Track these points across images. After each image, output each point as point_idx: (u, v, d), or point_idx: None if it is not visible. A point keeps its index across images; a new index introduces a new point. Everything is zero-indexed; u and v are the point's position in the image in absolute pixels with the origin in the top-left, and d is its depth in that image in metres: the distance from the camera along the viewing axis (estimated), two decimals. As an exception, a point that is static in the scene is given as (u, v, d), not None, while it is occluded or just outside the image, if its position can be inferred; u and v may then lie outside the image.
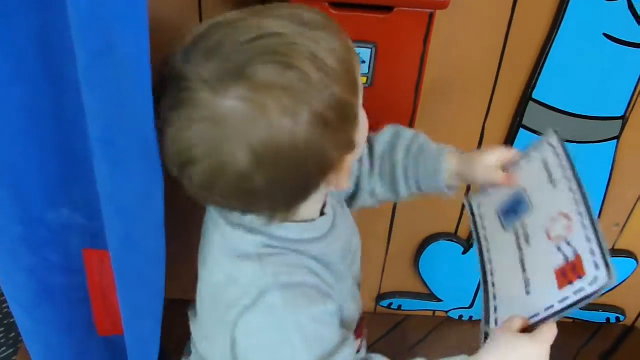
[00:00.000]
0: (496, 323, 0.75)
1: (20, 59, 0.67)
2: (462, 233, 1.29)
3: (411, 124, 0.97)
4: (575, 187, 0.74)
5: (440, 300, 1.42)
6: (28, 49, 0.66)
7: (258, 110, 0.56)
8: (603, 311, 1.44)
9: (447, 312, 1.45)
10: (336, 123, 0.60)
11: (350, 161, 0.66)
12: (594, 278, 0.66)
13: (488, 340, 0.72)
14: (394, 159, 0.83)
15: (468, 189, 1.07)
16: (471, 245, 1.28)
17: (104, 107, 0.61)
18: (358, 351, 0.84)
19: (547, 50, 0.99)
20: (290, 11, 0.60)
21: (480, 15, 0.96)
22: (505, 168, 0.81)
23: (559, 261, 0.71)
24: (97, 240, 0.82)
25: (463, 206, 1.06)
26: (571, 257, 0.70)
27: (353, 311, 0.81)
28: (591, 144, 1.12)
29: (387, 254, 1.33)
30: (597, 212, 1.24)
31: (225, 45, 0.58)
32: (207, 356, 0.81)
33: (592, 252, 0.68)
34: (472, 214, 0.88)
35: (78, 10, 0.55)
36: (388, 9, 0.84)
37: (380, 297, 1.41)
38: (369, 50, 0.87)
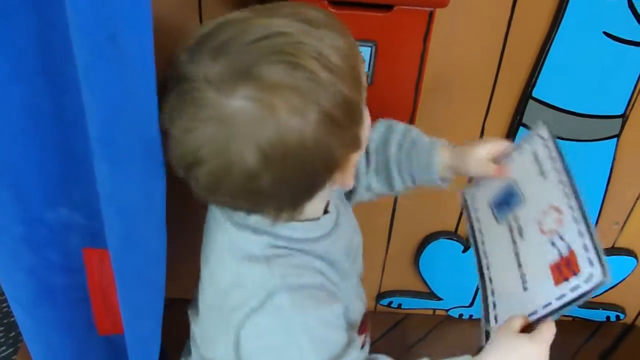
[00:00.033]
0: (496, 320, 0.75)
1: (20, 59, 0.67)
2: (462, 232, 1.29)
3: (411, 122, 0.97)
4: (565, 179, 0.74)
5: (440, 299, 1.42)
6: (28, 48, 0.66)
7: (266, 110, 0.56)
8: (603, 309, 1.44)
9: (447, 310, 1.45)
10: (343, 121, 0.60)
11: (356, 159, 0.66)
12: (589, 275, 0.67)
13: (489, 341, 0.72)
14: (388, 154, 0.84)
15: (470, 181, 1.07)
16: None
17: (104, 105, 0.61)
18: (362, 346, 0.85)
19: (547, 49, 0.99)
20: (294, 10, 0.60)
21: (480, 13, 0.96)
22: (497, 160, 0.81)
23: (553, 256, 0.71)
24: (97, 240, 0.82)
25: (463, 205, 1.06)
26: (565, 252, 0.70)
27: (358, 308, 0.81)
28: (591, 142, 1.12)
29: (387, 252, 1.33)
30: (597, 210, 1.24)
31: (231, 45, 0.57)
32: (208, 356, 0.81)
33: (586, 248, 0.69)
34: (466, 206, 0.88)
35: (79, 4, 0.55)
36: (388, 7, 0.84)
37: (380, 295, 1.41)
38: (369, 49, 0.87)
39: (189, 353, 0.87)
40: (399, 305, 1.44)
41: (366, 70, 0.89)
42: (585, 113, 1.08)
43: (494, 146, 0.81)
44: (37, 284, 0.86)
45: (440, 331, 1.44)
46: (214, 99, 0.57)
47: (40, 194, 0.77)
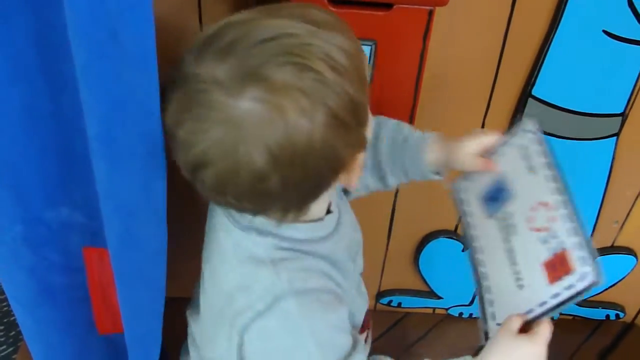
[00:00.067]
0: (494, 317, 0.76)
1: (19, 59, 0.67)
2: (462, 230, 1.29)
3: (411, 121, 0.97)
4: (554, 175, 0.74)
5: (440, 298, 1.42)
6: (26, 48, 0.66)
7: (275, 111, 0.56)
8: (602, 308, 1.44)
9: (447, 309, 1.45)
10: (349, 122, 0.60)
11: (362, 159, 0.66)
12: (583, 274, 0.67)
13: (489, 342, 0.73)
14: (379, 150, 0.84)
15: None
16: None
17: (104, 103, 0.61)
18: (365, 341, 0.85)
19: (546, 47, 0.99)
20: (300, 11, 0.60)
21: (480, 11, 0.96)
22: (486, 154, 0.81)
23: (545, 254, 0.72)
24: (97, 239, 0.82)
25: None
26: (557, 250, 0.70)
27: (360, 306, 0.81)
28: (591, 141, 1.12)
29: (387, 251, 1.33)
30: (597, 209, 1.24)
31: (238, 46, 0.57)
32: (208, 356, 0.80)
33: (578, 246, 0.69)
34: (457, 200, 0.87)
35: (78, 2, 0.55)
36: (388, 6, 0.84)
37: (380, 294, 1.41)
38: (369, 48, 0.87)
39: (187, 353, 0.87)
40: (399, 304, 1.44)
41: (366, 69, 0.90)
42: (585, 112, 1.08)
43: (482, 140, 0.81)
44: (37, 283, 0.85)
45: (440, 330, 1.44)
46: (222, 101, 0.57)
47: (40, 194, 0.77)
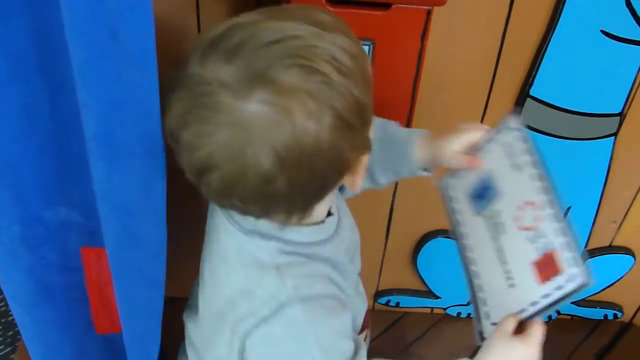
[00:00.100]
0: (488, 317, 0.76)
1: (17, 59, 0.67)
2: (460, 230, 1.29)
3: (409, 121, 0.97)
4: (540, 174, 0.73)
5: (438, 297, 1.42)
6: (25, 48, 0.66)
7: (283, 114, 0.56)
8: (600, 308, 1.44)
9: (445, 309, 1.45)
10: (355, 124, 0.60)
11: (366, 161, 0.66)
12: (571, 275, 0.67)
13: (484, 343, 0.74)
14: None
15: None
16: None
17: (103, 103, 0.61)
18: (364, 341, 0.85)
19: (544, 47, 0.99)
20: (304, 13, 0.60)
21: (478, 11, 0.96)
22: (472, 151, 0.80)
23: (535, 253, 0.72)
24: (95, 239, 0.82)
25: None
26: (545, 250, 0.70)
27: (359, 307, 0.82)
28: (589, 141, 1.12)
29: (385, 251, 1.33)
30: (595, 208, 1.25)
31: (244, 48, 0.57)
32: (207, 358, 0.80)
33: (566, 247, 0.69)
34: (447, 196, 0.86)
35: (77, 2, 0.55)
36: (386, 5, 0.84)
37: (378, 294, 1.41)
38: (367, 47, 0.87)
39: (185, 355, 0.87)
40: (397, 304, 1.44)
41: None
42: (583, 111, 1.08)
43: (468, 137, 0.80)
44: (35, 283, 0.85)
45: (438, 329, 1.44)
46: (229, 103, 0.56)
47: (38, 193, 0.77)
